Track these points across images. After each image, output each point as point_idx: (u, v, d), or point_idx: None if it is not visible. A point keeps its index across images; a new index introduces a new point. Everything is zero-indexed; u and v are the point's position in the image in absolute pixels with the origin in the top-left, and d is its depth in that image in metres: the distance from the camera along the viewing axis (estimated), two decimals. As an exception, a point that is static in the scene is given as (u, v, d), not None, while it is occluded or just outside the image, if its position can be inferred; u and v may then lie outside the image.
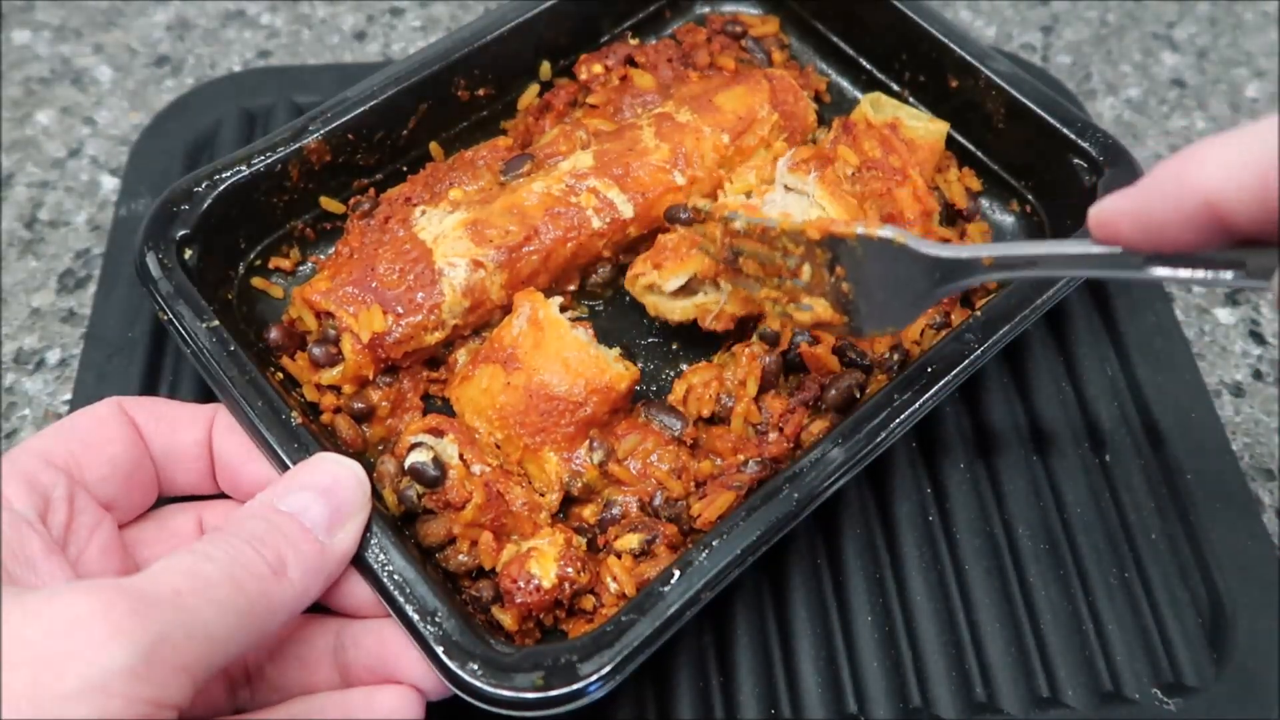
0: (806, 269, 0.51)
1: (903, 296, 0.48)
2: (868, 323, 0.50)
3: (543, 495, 0.56)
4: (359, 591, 0.49)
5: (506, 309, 0.62)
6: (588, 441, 0.57)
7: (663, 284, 0.60)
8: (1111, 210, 0.41)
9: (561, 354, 0.56)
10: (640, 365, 0.63)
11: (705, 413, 0.59)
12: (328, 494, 0.47)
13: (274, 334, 0.60)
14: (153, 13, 0.86)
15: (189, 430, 0.52)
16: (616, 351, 0.59)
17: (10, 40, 0.83)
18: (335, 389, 0.59)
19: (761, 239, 0.53)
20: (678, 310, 0.61)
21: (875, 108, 0.68)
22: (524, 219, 0.61)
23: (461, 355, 0.61)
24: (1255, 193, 0.36)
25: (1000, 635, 0.56)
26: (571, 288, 0.65)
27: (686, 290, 0.60)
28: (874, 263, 0.48)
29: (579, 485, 0.56)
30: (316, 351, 0.58)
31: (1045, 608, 0.57)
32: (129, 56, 0.83)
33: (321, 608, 0.50)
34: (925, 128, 0.68)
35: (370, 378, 0.59)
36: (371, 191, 0.66)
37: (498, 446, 0.57)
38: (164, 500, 0.53)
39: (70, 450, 0.47)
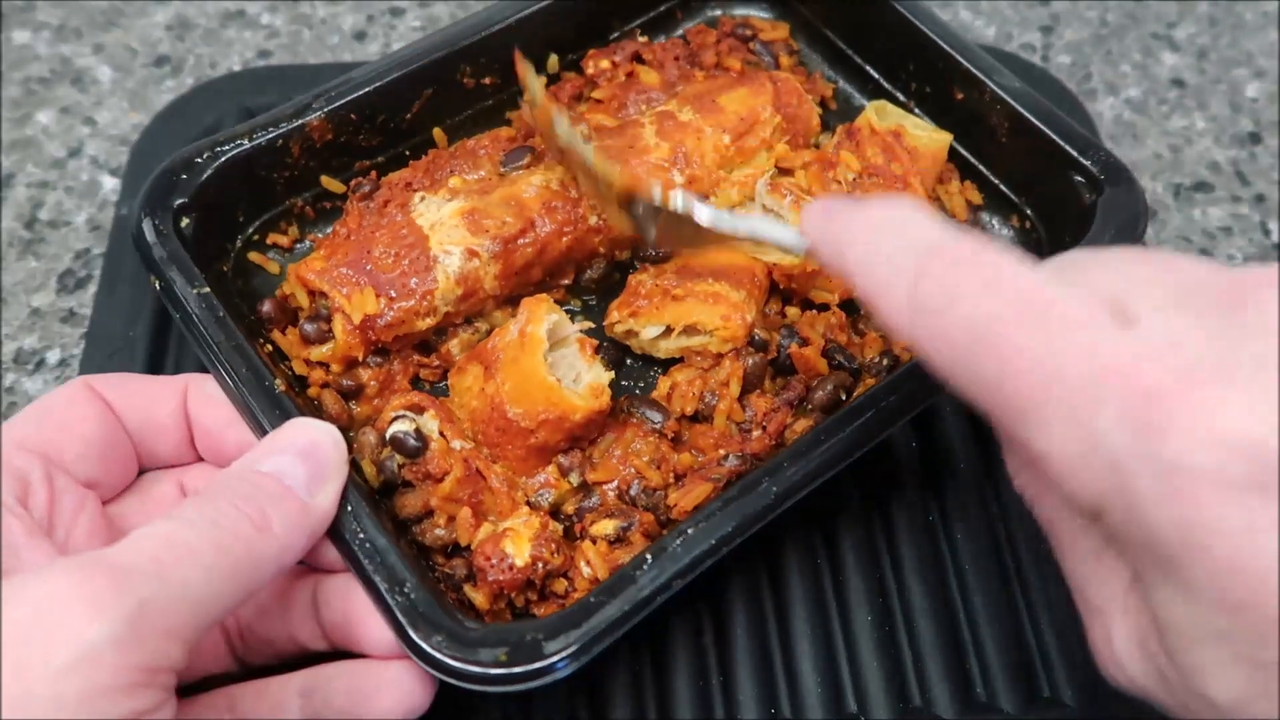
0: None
1: (685, 236, 0.55)
2: (653, 244, 0.61)
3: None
4: (332, 546, 0.49)
5: (499, 299, 0.62)
6: (556, 465, 0.56)
7: (640, 331, 0.60)
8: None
9: (523, 376, 0.55)
10: (629, 362, 0.63)
11: (688, 410, 0.59)
12: (306, 455, 0.48)
13: (268, 307, 0.60)
14: (153, 13, 0.86)
15: (162, 403, 0.52)
16: (597, 375, 0.56)
17: (10, 40, 0.83)
18: (324, 366, 0.59)
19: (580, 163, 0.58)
20: (662, 349, 0.61)
21: (880, 115, 0.68)
22: (521, 211, 0.61)
23: (454, 346, 0.61)
24: None
25: (1000, 635, 0.56)
26: (565, 282, 0.65)
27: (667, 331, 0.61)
28: (668, 217, 0.54)
29: (547, 502, 0.56)
30: (309, 328, 0.58)
31: (1045, 607, 0.57)
32: (129, 56, 0.83)
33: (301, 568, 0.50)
34: (929, 137, 0.68)
35: (359, 359, 0.59)
36: (373, 174, 0.66)
37: (474, 442, 0.57)
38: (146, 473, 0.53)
39: (43, 433, 0.48)
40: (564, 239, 0.62)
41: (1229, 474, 0.29)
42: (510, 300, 0.62)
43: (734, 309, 0.59)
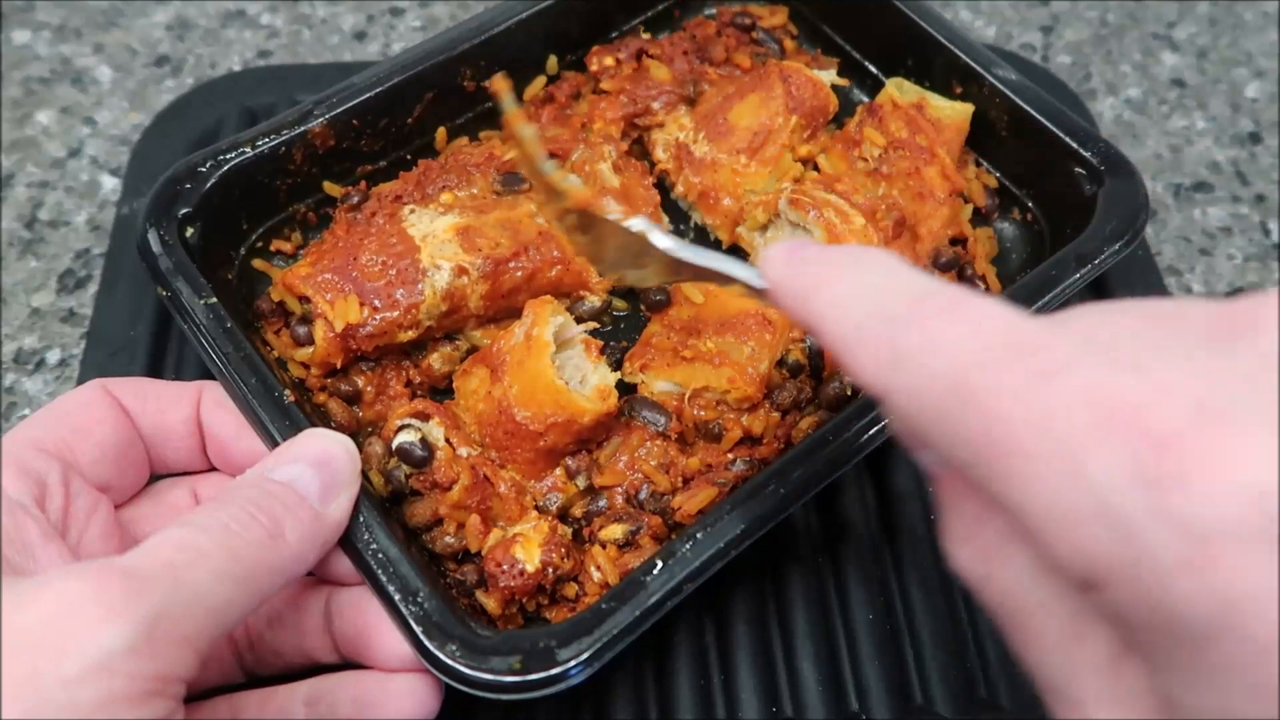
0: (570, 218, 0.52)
1: (640, 266, 0.50)
2: (609, 271, 0.54)
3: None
4: (345, 559, 0.49)
5: (481, 319, 0.62)
6: (563, 468, 0.56)
7: (651, 384, 0.60)
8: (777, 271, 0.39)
9: (531, 379, 0.55)
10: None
11: (689, 436, 0.58)
12: (320, 466, 0.47)
13: (264, 304, 0.60)
14: (153, 13, 0.86)
15: (176, 408, 0.52)
16: (603, 377, 0.57)
17: (10, 40, 0.83)
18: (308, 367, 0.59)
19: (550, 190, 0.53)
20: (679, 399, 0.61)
21: (900, 90, 0.68)
22: (516, 235, 0.61)
23: (435, 360, 0.61)
24: None
25: (1001, 633, 0.56)
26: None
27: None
28: (623, 237, 0.49)
29: (556, 505, 0.56)
30: (300, 331, 0.59)
31: (1047, 607, 0.57)
32: (129, 56, 0.83)
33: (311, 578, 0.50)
34: (952, 107, 0.68)
35: (337, 365, 0.59)
36: (363, 185, 0.66)
37: (481, 446, 0.57)
38: (156, 479, 0.53)
39: (60, 435, 0.47)
40: (554, 269, 0.61)
41: (1266, 534, 0.24)
42: (491, 321, 0.62)
43: (739, 369, 0.58)
